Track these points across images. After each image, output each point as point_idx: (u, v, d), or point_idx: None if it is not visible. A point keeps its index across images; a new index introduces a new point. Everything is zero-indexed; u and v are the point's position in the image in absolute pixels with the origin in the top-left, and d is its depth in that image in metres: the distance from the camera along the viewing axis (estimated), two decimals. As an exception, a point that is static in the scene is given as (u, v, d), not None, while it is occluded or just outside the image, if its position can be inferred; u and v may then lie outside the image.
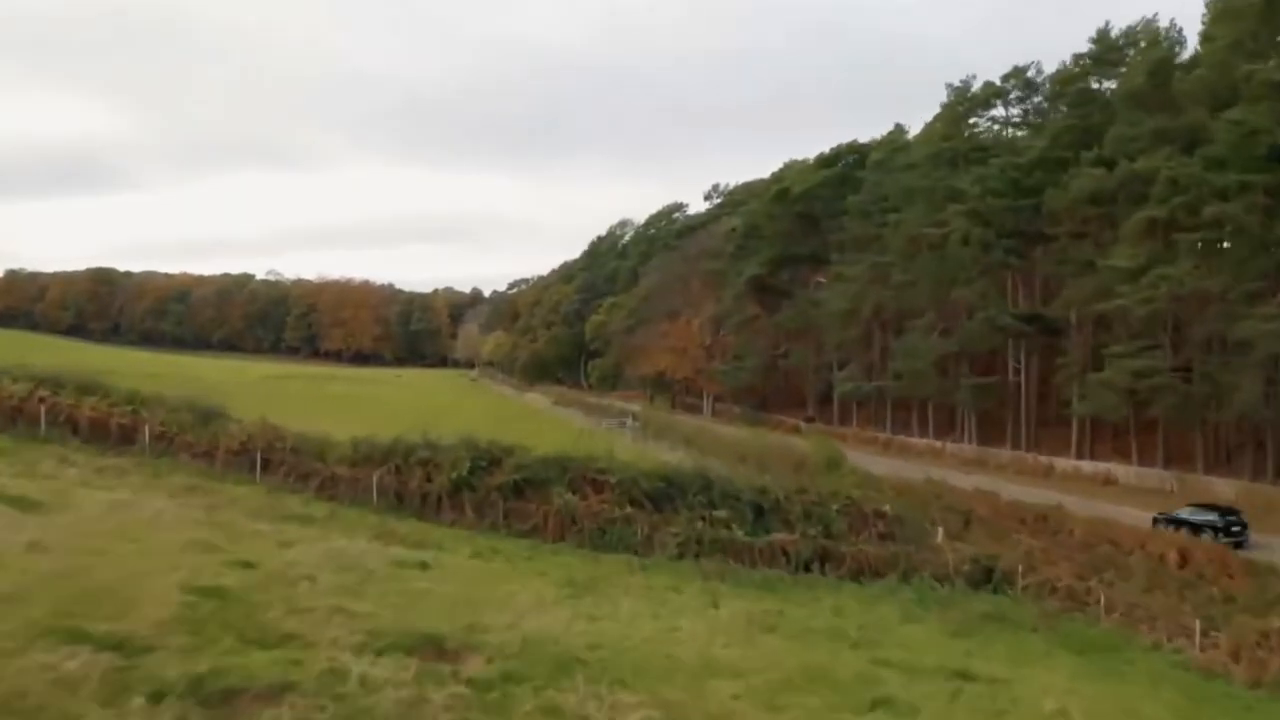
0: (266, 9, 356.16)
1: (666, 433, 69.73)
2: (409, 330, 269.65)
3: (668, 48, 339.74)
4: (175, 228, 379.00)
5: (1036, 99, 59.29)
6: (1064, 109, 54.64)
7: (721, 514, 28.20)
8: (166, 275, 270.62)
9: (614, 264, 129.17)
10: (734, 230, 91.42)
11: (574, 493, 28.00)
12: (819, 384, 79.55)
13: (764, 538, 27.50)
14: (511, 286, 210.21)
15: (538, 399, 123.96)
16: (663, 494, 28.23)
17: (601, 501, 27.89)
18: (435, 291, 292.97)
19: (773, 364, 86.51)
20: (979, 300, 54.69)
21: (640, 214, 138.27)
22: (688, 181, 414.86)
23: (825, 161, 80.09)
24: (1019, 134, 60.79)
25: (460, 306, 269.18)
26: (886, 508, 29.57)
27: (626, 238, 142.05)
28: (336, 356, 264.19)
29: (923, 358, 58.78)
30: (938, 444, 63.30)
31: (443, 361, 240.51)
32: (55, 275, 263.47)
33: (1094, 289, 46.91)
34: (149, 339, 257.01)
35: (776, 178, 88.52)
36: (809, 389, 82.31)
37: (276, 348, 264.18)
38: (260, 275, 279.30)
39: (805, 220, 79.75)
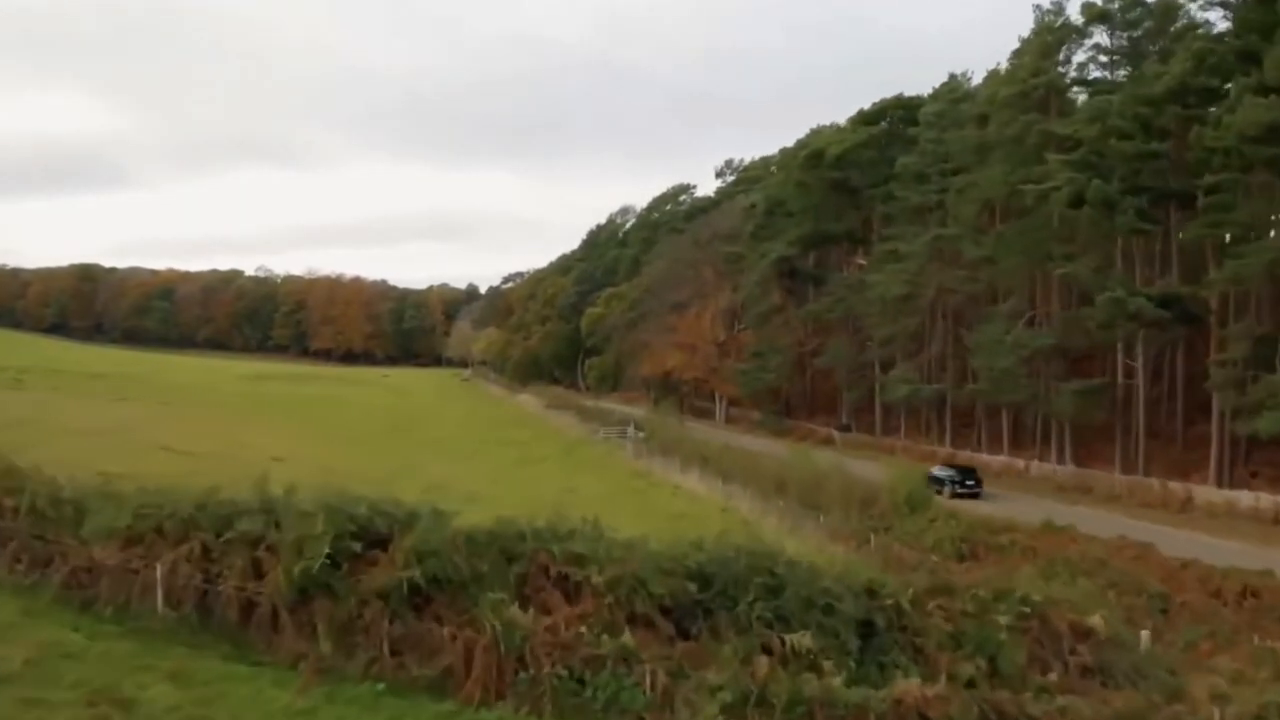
0: (266, 6, 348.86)
1: (677, 446, 56.85)
2: (402, 328, 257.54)
3: (672, 43, 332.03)
4: (175, 226, 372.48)
5: (1146, 25, 46.22)
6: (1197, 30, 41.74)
7: (803, 639, 14.81)
8: (152, 271, 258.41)
9: (614, 253, 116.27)
10: (753, 207, 78.57)
11: (525, 602, 14.82)
12: (858, 386, 66.47)
13: (884, 690, 14.17)
14: (506, 280, 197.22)
15: (529, 401, 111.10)
16: (692, 603, 15.08)
17: (579, 619, 14.70)
18: (430, 288, 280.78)
19: (800, 362, 73.63)
20: (1093, 279, 41.54)
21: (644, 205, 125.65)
22: (694, 178, 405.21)
23: (866, 119, 66.87)
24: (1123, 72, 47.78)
25: (456, 304, 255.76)
26: (1094, 621, 16.53)
27: (629, 225, 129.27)
28: (326, 355, 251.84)
29: (1008, 355, 45.80)
30: (1018, 463, 50.46)
31: (437, 361, 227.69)
32: (38, 271, 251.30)
33: (1269, 260, 34.08)
34: (132, 337, 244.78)
35: (802, 144, 75.32)
36: (845, 392, 69.30)
37: (264, 346, 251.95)
38: (250, 271, 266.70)
39: (841, 190, 66.79)
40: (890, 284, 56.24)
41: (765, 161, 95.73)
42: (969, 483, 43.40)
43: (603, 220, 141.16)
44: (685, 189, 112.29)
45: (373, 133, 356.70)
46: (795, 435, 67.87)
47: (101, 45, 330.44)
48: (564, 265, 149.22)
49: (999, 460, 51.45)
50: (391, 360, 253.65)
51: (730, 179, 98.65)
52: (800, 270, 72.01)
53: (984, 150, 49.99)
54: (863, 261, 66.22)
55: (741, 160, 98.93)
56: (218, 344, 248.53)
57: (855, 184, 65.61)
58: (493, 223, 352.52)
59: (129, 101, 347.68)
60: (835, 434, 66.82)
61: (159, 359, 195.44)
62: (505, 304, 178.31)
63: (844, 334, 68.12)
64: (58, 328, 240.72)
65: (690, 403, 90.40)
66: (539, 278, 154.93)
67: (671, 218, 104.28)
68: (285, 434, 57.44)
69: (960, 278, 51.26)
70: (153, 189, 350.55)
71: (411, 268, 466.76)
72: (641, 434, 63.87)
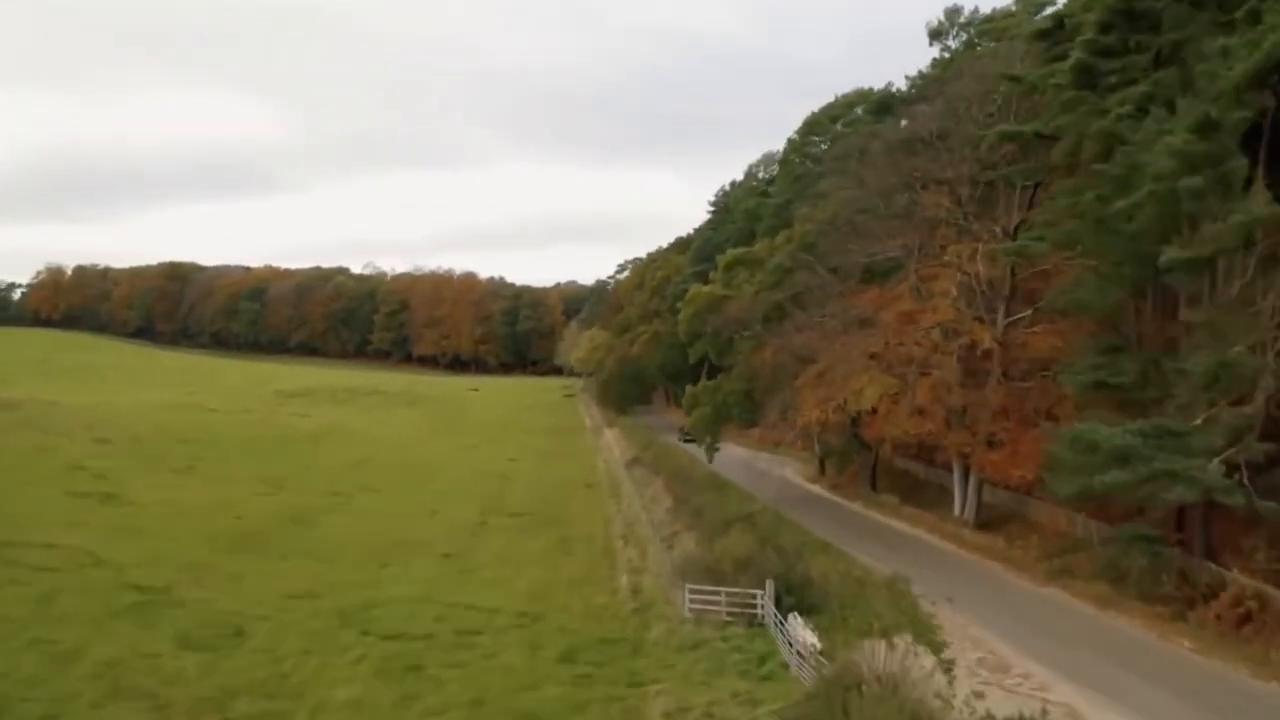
0: (413, 5, 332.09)
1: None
2: (515, 331, 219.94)
3: (826, 30, 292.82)
4: (319, 230, 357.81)
5: None
6: None
7: None
8: (245, 269, 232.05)
9: (750, 204, 72.96)
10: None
11: None
12: None
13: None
14: (621, 268, 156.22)
15: (614, 444, 69.30)
16: None
17: None
18: (557, 285, 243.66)
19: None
20: None
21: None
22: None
23: None
24: None
25: (580, 302, 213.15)
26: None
27: (771, 170, 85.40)
28: (432, 363, 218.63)
29: None
30: None
31: (557, 370, 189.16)
32: (127, 271, 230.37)
33: None
34: (220, 341, 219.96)
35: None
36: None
37: (362, 351, 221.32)
38: (357, 269, 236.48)
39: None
40: None
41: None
42: None
43: (738, 177, 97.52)
44: (865, 96, 67.07)
45: (520, 132, 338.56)
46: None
47: (249, 48, 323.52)
48: (683, 242, 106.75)
49: None
50: (505, 368, 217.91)
51: (955, 41, 53.13)
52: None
53: None
54: None
55: (974, 7, 53.20)
56: (311, 349, 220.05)
57: None
58: (648, 221, 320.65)
59: (276, 104, 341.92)
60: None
61: (221, 365, 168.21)
62: (614, 299, 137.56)
63: None
64: (143, 332, 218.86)
65: (890, 468, 46.28)
66: (650, 260, 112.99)
67: (843, 135, 59.63)
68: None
69: None
70: (299, 192, 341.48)
71: (559, 273, 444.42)
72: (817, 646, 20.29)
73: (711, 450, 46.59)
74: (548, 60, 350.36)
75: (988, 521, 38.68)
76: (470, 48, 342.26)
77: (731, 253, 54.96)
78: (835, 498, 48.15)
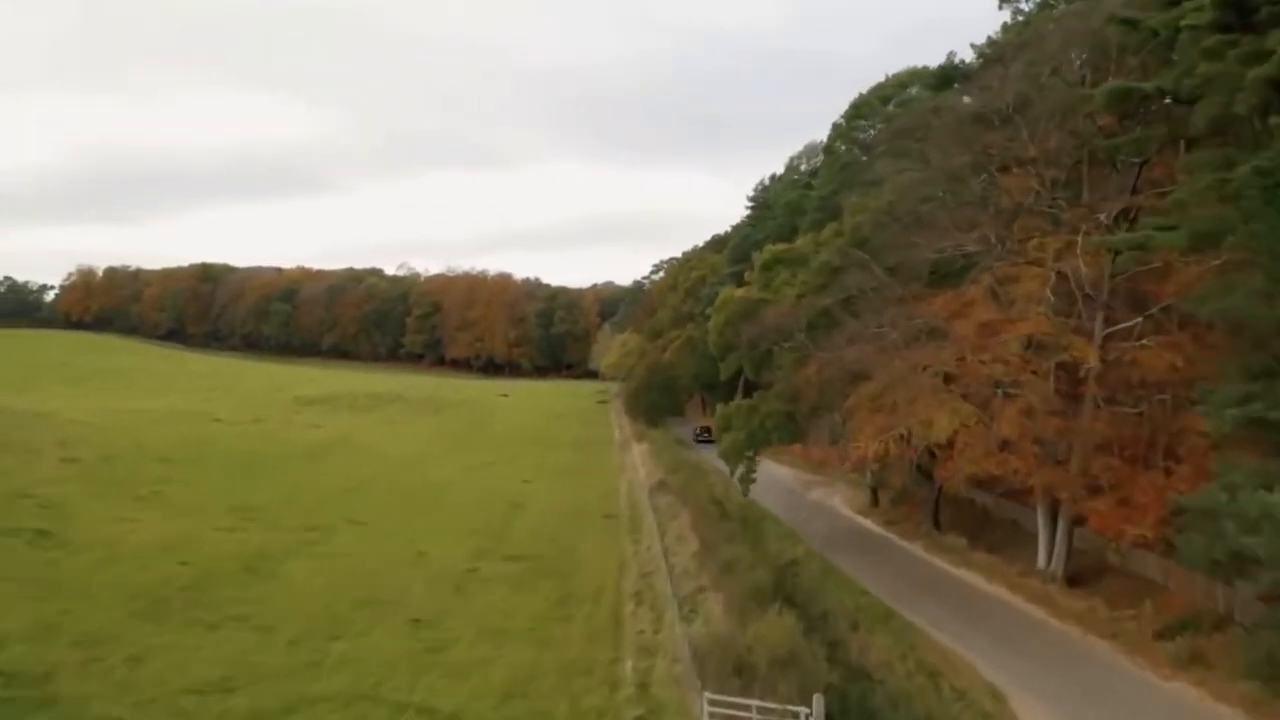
0: (454, 5, 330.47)
1: None
2: (550, 334, 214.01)
3: (866, 26, 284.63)
4: (358, 231, 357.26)
5: None
6: None
7: None
8: (277, 270, 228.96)
9: (792, 197, 65.98)
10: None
11: None
12: None
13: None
14: (655, 269, 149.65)
15: (640, 463, 62.76)
16: None
17: None
18: (594, 286, 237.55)
19: None
20: None
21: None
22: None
23: None
24: None
25: (616, 303, 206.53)
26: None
27: (815, 162, 78.20)
28: (465, 366, 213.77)
29: None
30: None
31: (591, 373, 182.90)
32: (159, 273, 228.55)
33: None
34: (252, 344, 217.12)
35: None
36: None
37: (395, 355, 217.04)
38: (391, 270, 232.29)
39: None
40: None
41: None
42: None
43: (779, 170, 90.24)
44: (919, 74, 59.73)
45: (559, 132, 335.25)
46: None
47: (287, 48, 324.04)
48: (720, 239, 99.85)
49: None
50: (540, 371, 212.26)
51: (1028, 3, 45.53)
52: None
53: None
54: None
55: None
56: (342, 352, 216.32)
57: None
58: (688, 221, 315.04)
59: (319, 106, 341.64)
60: None
61: (244, 369, 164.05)
62: (648, 301, 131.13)
63: None
64: (174, 334, 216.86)
65: (954, 498, 39.20)
66: (685, 259, 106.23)
67: (896, 114, 52.35)
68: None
69: None
70: (341, 193, 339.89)
71: (597, 274, 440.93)
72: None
73: (746, 482, 39.83)
74: (587, 59, 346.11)
75: (1081, 575, 31.51)
76: (507, 47, 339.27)
77: (770, 249, 47.74)
78: (891, 535, 41.15)
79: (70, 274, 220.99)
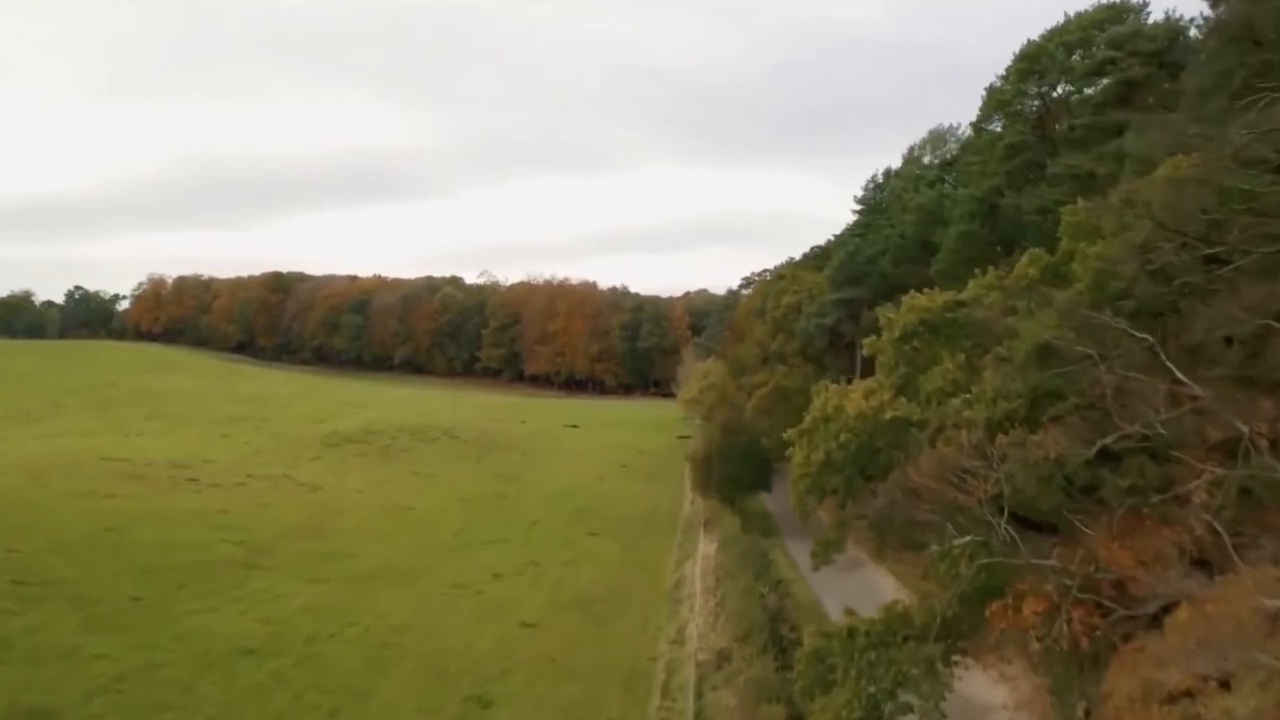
0: (554, 4, 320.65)
1: None
2: (636, 348, 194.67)
3: (977, 17, 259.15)
4: (448, 236, 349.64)
5: None
6: None
7: None
8: (350, 279, 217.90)
9: (927, 197, 45.75)
10: None
11: None
12: None
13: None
14: (744, 284, 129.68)
15: (698, 579, 43.18)
16: None
17: None
18: (685, 295, 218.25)
19: None
20: None
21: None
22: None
23: None
24: None
25: (707, 314, 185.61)
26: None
27: (947, 151, 57.48)
28: (546, 382, 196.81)
29: None
30: None
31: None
32: (228, 282, 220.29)
33: None
34: (322, 357, 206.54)
35: None
36: None
37: (471, 369, 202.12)
38: (471, 279, 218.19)
39: None
40: None
41: None
42: None
43: (895, 163, 69.52)
44: (1118, 10, 38.92)
45: (658, 134, 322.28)
46: None
47: (380, 51, 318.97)
48: (819, 253, 79.63)
49: None
50: (625, 389, 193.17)
51: None
52: None
53: None
54: None
55: None
56: (417, 367, 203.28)
57: None
58: (792, 221, 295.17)
59: (411, 109, 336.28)
60: None
61: (300, 388, 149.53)
62: (734, 321, 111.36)
63: None
64: (244, 346, 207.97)
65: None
66: (777, 275, 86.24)
67: (1082, 82, 31.76)
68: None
69: None
70: (437, 197, 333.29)
71: (696, 280, 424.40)
72: None
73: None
74: (688, 59, 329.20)
75: None
76: (607, 45, 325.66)
77: (913, 304, 24.59)
78: None
79: (141, 283, 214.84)
